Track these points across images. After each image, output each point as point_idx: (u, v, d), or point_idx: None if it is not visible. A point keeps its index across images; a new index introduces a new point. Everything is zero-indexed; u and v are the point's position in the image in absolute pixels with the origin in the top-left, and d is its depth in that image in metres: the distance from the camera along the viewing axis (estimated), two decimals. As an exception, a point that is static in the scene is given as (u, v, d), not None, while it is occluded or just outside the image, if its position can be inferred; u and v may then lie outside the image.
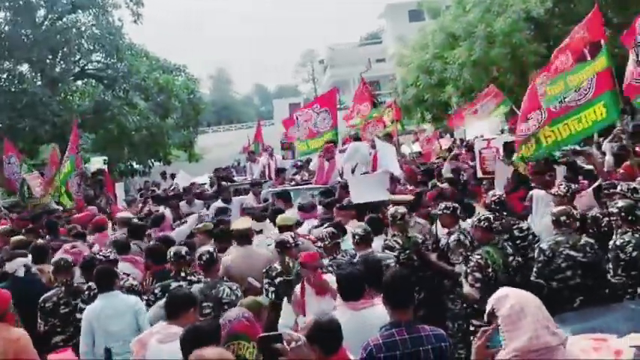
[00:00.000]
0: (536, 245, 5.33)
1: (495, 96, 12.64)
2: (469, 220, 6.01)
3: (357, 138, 11.55)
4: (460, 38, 16.50)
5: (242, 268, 5.49)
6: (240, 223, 6.19)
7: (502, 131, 18.71)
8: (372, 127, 13.16)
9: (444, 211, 5.76)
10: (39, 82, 21.13)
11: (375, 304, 3.81)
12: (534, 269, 5.07)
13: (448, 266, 5.53)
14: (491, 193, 6.41)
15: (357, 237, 5.21)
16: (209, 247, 5.34)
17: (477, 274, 4.89)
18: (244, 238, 5.88)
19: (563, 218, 5.01)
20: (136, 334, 4.34)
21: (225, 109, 64.42)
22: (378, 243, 5.63)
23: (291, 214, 6.97)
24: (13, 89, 20.36)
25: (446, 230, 5.85)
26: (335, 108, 11.68)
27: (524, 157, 7.15)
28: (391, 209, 6.06)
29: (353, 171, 9.16)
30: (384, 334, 3.17)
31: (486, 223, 5.13)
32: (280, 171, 11.59)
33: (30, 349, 4.05)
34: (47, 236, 7.96)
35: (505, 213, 5.95)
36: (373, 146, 9.85)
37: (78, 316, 5.00)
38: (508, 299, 2.61)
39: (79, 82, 23.75)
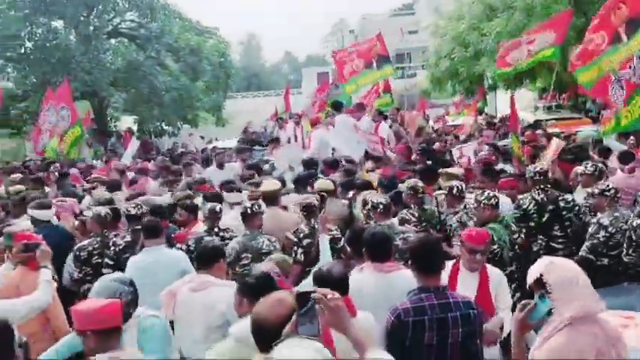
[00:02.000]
0: (593, 220, 5.33)
1: (556, 30, 10.45)
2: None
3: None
4: (498, 10, 16.09)
5: (270, 228, 5.52)
6: (268, 184, 6.20)
7: (536, 108, 18.39)
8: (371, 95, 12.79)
9: (450, 191, 5.72)
10: (73, 39, 21.31)
11: (403, 268, 3.80)
12: (587, 244, 5.12)
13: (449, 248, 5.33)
14: (532, 166, 6.27)
15: (380, 207, 5.15)
16: (248, 202, 5.47)
17: None
18: (272, 199, 5.91)
19: (610, 193, 5.16)
20: None
21: (254, 76, 64.23)
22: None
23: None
24: (47, 44, 20.56)
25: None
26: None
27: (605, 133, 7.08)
28: (411, 181, 5.99)
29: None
30: (412, 298, 3.15)
31: (495, 200, 5.12)
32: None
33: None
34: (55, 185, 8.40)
35: (549, 185, 5.90)
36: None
37: (105, 270, 5.09)
38: (557, 267, 2.60)
39: (112, 41, 23.87)
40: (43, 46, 20.55)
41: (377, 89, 13.67)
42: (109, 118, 23.89)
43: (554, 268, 2.59)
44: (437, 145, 10.34)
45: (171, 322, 3.88)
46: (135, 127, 23.36)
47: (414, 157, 8.95)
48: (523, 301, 2.70)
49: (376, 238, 3.84)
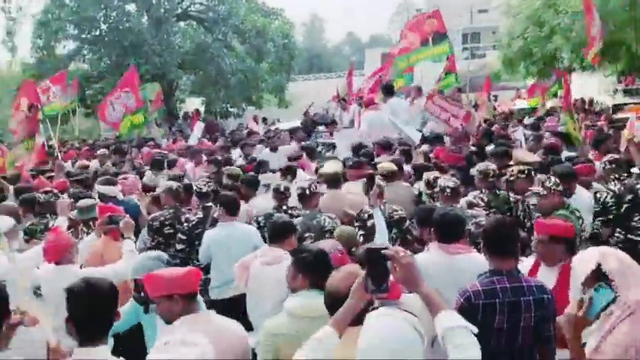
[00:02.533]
0: None
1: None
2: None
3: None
4: (574, -15, 15.29)
5: (331, 209, 5.54)
6: (329, 166, 6.23)
7: (615, 91, 17.46)
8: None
9: (519, 175, 5.51)
10: (144, 22, 22.00)
11: (473, 251, 3.73)
12: None
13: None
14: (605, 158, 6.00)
15: (447, 190, 5.05)
16: (306, 182, 5.56)
17: None
18: (333, 181, 5.90)
19: None
20: None
21: (316, 58, 64.24)
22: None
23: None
24: (120, 27, 21.33)
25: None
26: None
27: None
28: (481, 165, 5.80)
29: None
30: (484, 281, 3.08)
31: (561, 187, 4.89)
32: None
33: None
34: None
35: (625, 175, 5.64)
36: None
37: (178, 245, 5.40)
38: (612, 255, 2.59)
39: (181, 24, 24.46)
40: (116, 29, 21.35)
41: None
42: (176, 100, 24.59)
43: (609, 257, 2.57)
44: (495, 128, 10.03)
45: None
46: (202, 109, 23.96)
47: (472, 141, 8.63)
48: (578, 299, 2.64)
49: (446, 219, 3.78)
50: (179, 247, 5.41)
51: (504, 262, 3.10)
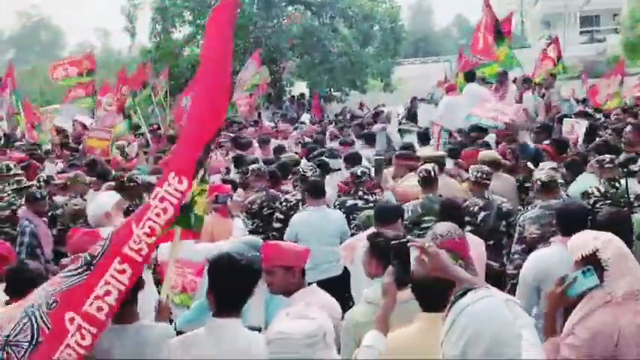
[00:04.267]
0: None
1: None
2: None
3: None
4: None
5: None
6: (425, 151, 6.25)
7: None
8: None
9: None
10: (255, 6, 22.71)
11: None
12: None
13: None
14: None
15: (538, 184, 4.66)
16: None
17: None
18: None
19: None
20: (339, 242, 4.78)
21: (422, 41, 62.86)
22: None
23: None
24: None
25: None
26: None
27: None
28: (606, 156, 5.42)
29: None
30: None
31: None
32: None
33: None
34: None
35: None
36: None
37: (275, 224, 5.58)
38: (613, 242, 2.57)
39: (290, 8, 24.98)
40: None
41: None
42: (285, 84, 25.21)
43: (610, 244, 2.55)
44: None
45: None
46: (307, 93, 24.41)
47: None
48: (561, 276, 2.61)
49: (570, 211, 3.60)
50: (276, 225, 5.58)
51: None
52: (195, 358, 2.50)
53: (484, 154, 6.16)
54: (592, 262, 2.53)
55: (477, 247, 3.93)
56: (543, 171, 4.95)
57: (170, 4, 22.61)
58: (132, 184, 5.71)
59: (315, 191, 5.23)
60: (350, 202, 5.50)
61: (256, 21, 21.53)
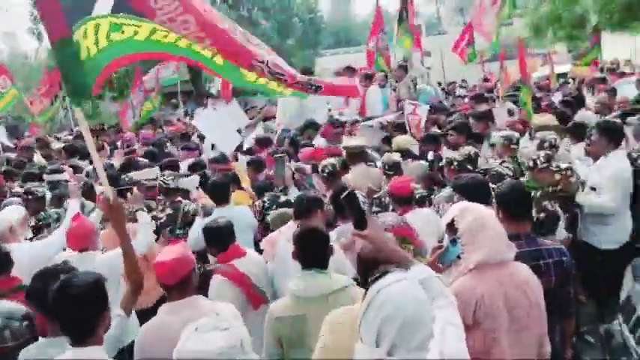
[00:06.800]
0: None
1: None
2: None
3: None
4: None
5: (359, 184, 5.44)
6: (349, 141, 6.26)
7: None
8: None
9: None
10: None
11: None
12: None
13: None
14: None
15: (454, 163, 4.88)
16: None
17: None
18: (355, 156, 5.84)
19: None
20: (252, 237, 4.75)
21: (344, 32, 63.31)
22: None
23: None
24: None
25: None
26: None
27: None
28: (504, 132, 5.68)
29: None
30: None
31: None
32: None
33: None
34: None
35: None
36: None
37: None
38: (469, 212, 2.61)
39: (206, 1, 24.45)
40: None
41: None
42: (205, 80, 24.70)
43: (466, 214, 2.59)
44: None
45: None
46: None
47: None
48: (435, 245, 2.73)
49: (471, 185, 3.68)
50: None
51: (521, 226, 3.09)
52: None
53: (398, 140, 6.31)
54: (455, 232, 2.62)
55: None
56: (454, 152, 5.19)
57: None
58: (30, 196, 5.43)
59: (219, 194, 4.95)
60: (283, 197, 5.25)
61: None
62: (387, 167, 5.25)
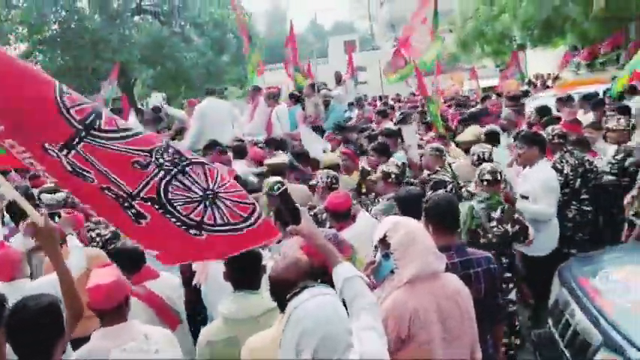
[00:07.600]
0: None
1: None
2: None
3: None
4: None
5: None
6: (275, 158, 6.26)
7: (578, 66, 17.64)
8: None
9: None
10: (97, 19, 21.45)
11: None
12: None
13: None
14: (549, 128, 6.09)
15: (392, 176, 4.99)
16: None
17: None
18: (278, 173, 5.77)
19: None
20: None
21: (280, 48, 63.67)
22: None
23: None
24: (72, 25, 20.74)
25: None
26: None
27: None
28: (434, 144, 5.98)
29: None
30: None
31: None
32: None
33: None
34: None
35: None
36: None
37: None
38: (401, 226, 2.62)
39: (136, 18, 23.95)
40: (68, 28, 20.76)
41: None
42: (137, 97, 24.13)
43: (398, 228, 2.61)
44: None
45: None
46: (164, 104, 23.50)
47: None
48: (368, 261, 2.73)
49: (404, 198, 3.84)
50: None
51: (450, 238, 3.16)
52: None
53: (326, 159, 6.31)
54: (387, 247, 2.62)
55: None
56: (392, 165, 5.26)
57: (4, 19, 20.62)
58: None
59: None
60: None
61: (101, 35, 20.33)
62: (334, 181, 5.17)
